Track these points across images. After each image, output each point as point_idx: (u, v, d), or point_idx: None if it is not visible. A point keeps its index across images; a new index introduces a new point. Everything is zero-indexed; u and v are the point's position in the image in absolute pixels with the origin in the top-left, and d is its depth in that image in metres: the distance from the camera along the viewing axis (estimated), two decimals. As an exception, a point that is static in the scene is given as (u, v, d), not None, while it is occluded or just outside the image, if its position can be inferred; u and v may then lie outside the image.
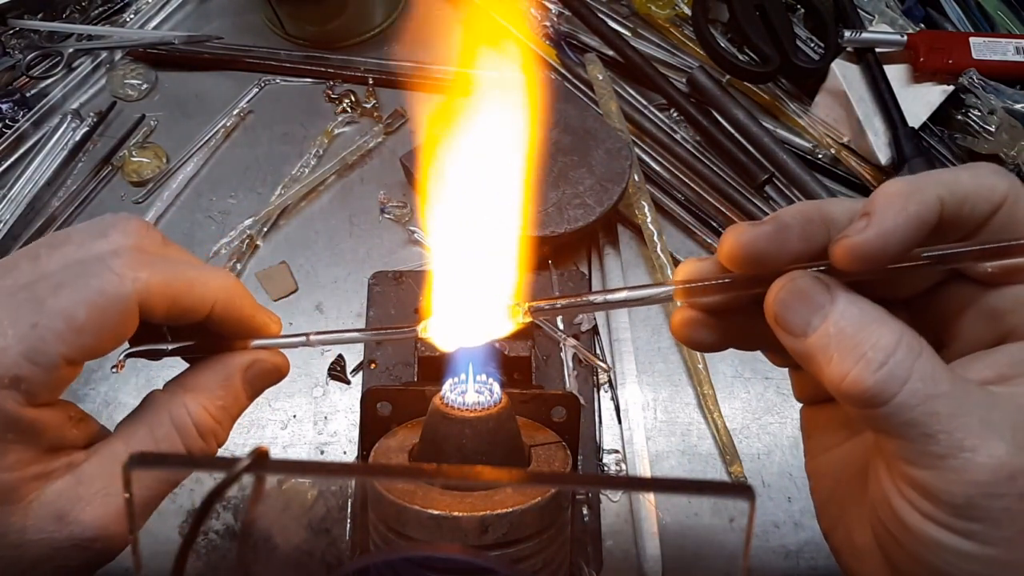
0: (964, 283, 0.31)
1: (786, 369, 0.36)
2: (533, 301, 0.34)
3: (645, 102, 0.69)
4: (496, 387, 0.38)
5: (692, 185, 0.65)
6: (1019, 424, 0.26)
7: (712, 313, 0.32)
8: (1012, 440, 0.26)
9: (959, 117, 0.65)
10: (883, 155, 0.64)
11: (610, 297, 0.33)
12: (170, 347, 0.34)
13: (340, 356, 0.59)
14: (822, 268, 0.29)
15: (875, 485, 0.29)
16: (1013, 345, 0.29)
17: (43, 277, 0.30)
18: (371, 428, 0.43)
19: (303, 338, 0.35)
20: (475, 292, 0.36)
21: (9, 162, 0.67)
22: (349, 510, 0.53)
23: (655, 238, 0.61)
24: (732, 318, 0.32)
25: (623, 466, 0.55)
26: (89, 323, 0.29)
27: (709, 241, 0.63)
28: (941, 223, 0.28)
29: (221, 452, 0.56)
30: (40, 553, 0.29)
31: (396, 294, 0.58)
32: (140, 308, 0.30)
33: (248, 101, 0.71)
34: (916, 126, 0.64)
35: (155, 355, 0.34)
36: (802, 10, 0.73)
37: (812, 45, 0.71)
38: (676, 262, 0.62)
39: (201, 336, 0.34)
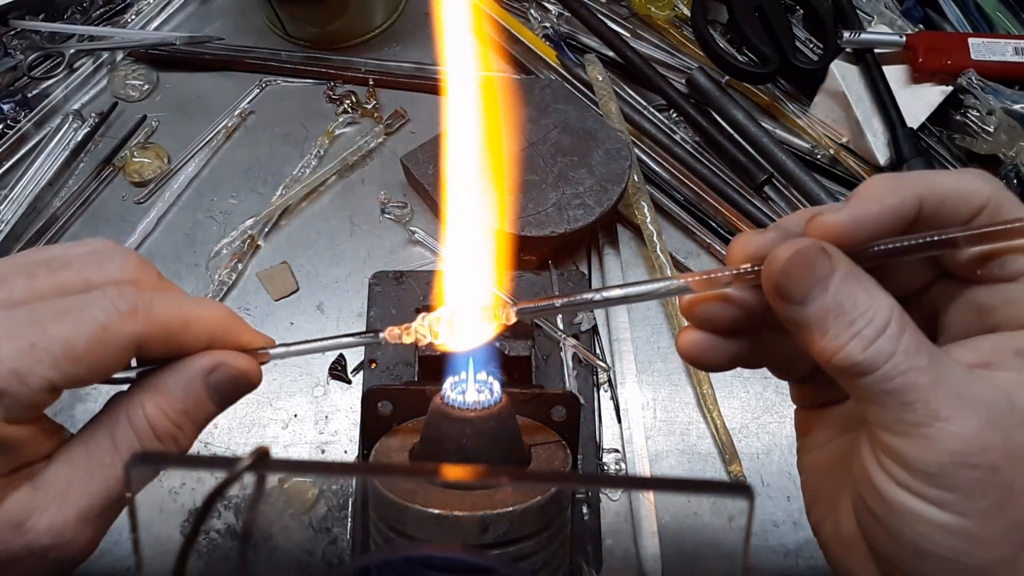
0: (953, 281, 0.32)
1: None
2: (522, 302, 0.34)
3: (645, 103, 0.69)
4: (496, 386, 0.38)
5: (691, 185, 0.65)
6: (995, 404, 0.27)
7: (719, 333, 0.33)
8: (987, 416, 0.27)
9: (958, 117, 0.65)
10: (882, 156, 0.65)
11: (607, 294, 0.33)
12: (134, 373, 0.33)
13: (341, 356, 0.59)
14: None
15: (857, 461, 0.30)
16: (996, 335, 0.30)
17: (42, 299, 0.30)
18: (372, 427, 0.43)
19: (274, 349, 0.35)
20: (462, 294, 0.36)
21: (11, 162, 0.67)
22: (350, 509, 0.53)
23: (655, 238, 0.61)
24: (738, 339, 0.33)
25: (623, 465, 0.55)
26: (87, 355, 0.29)
27: (709, 241, 0.63)
28: (920, 221, 0.29)
29: (222, 451, 0.57)
30: None
31: (397, 294, 0.58)
32: (137, 346, 0.30)
33: (249, 102, 0.71)
34: (915, 127, 0.64)
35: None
36: (801, 11, 0.73)
37: (811, 46, 0.71)
38: (676, 262, 0.62)
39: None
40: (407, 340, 0.35)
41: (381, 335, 0.35)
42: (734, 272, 0.31)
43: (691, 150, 0.67)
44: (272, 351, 0.35)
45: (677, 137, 0.67)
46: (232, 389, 0.34)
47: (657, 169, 0.66)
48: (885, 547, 0.29)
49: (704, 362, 0.33)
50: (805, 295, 0.28)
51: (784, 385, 0.60)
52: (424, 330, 0.35)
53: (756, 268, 0.30)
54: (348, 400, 0.58)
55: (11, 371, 0.28)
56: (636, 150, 0.65)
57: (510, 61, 0.72)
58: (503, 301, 0.35)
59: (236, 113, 0.70)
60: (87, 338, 0.29)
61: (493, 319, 0.34)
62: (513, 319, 0.34)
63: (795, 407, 0.38)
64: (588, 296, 0.33)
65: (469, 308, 0.35)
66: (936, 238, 0.29)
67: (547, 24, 0.73)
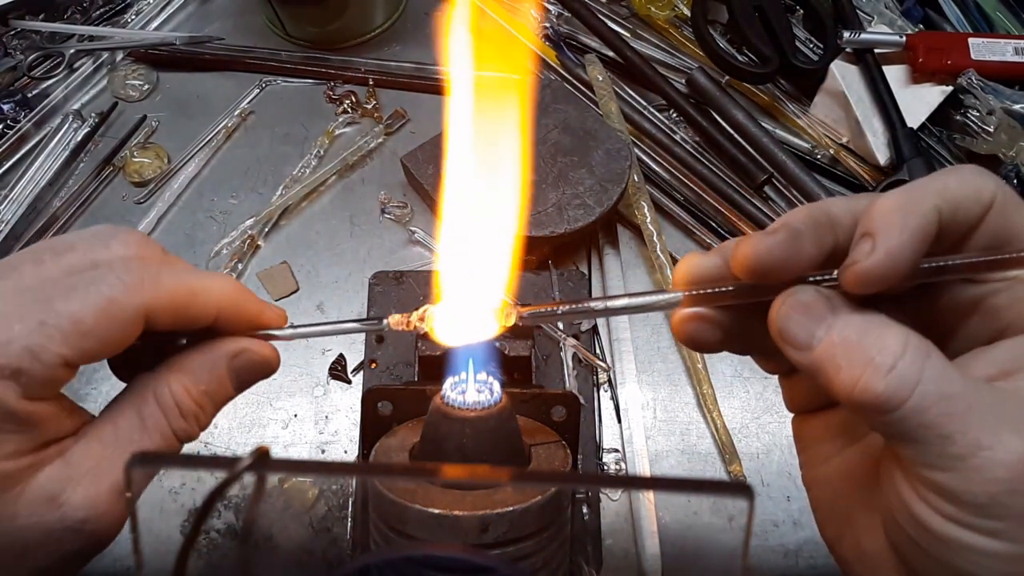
0: (958, 281, 0.31)
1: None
2: (529, 305, 0.34)
3: (645, 103, 0.69)
4: (496, 386, 0.38)
5: (691, 185, 0.65)
6: None
7: (714, 311, 0.32)
8: None
9: (958, 117, 0.66)
10: (882, 155, 0.65)
11: (611, 304, 0.33)
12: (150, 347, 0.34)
13: (341, 355, 0.59)
14: (830, 284, 0.29)
15: (891, 491, 0.29)
16: (1011, 340, 0.29)
17: (50, 281, 0.31)
18: (372, 427, 0.43)
19: (289, 330, 0.36)
20: (466, 290, 0.36)
21: (11, 162, 0.68)
22: (350, 509, 0.53)
23: (655, 238, 0.61)
24: (732, 315, 0.32)
25: (623, 465, 0.55)
26: (95, 328, 0.30)
27: (709, 241, 0.63)
28: (940, 230, 0.28)
29: (222, 451, 0.57)
30: (33, 538, 0.30)
31: (397, 294, 0.58)
32: (145, 318, 0.31)
33: (249, 102, 0.71)
34: (915, 126, 0.64)
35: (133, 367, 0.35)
36: (801, 11, 0.73)
37: (811, 46, 0.71)
38: (676, 262, 0.62)
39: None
40: (412, 323, 0.35)
41: (385, 321, 0.35)
42: (738, 288, 0.31)
43: (691, 150, 0.67)
44: (278, 332, 0.36)
45: (677, 137, 0.67)
46: (252, 374, 0.35)
47: (657, 169, 0.66)
48: (929, 572, 0.28)
49: (699, 341, 0.33)
50: (809, 337, 0.28)
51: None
52: (428, 320, 0.35)
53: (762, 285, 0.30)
54: (348, 400, 0.58)
55: (24, 349, 0.29)
56: (636, 150, 0.65)
57: (511, 61, 0.72)
58: (506, 303, 0.35)
59: (236, 113, 0.70)
60: (95, 312, 0.30)
61: (496, 320, 0.34)
62: (514, 322, 0.34)
63: (792, 417, 0.37)
64: (591, 305, 0.33)
65: (472, 305, 0.35)
66: (969, 260, 0.29)
67: (547, 24, 0.73)
